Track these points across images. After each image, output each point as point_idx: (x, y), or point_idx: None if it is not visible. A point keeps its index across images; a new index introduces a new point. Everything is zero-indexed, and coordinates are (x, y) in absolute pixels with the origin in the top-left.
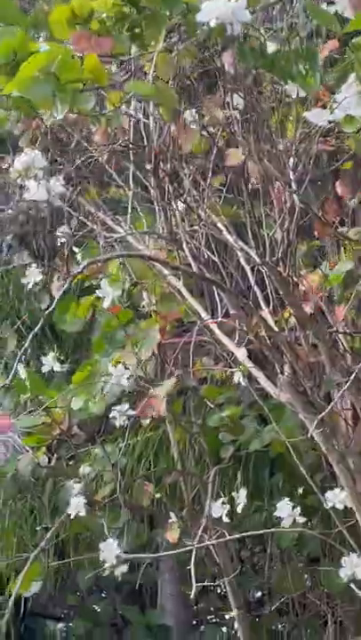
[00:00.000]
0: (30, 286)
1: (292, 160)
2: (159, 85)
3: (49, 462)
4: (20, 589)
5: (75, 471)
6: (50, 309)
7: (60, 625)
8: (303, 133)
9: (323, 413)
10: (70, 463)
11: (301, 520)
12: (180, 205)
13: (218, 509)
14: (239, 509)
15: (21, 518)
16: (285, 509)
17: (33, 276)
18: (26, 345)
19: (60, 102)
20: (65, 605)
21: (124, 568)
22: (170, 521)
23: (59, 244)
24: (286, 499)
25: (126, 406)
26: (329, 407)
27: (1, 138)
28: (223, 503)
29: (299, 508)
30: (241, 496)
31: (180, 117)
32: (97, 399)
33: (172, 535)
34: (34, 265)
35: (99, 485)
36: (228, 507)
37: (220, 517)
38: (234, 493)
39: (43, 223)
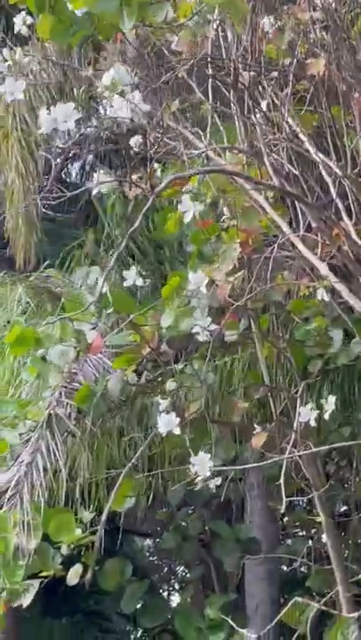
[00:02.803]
0: (95, 192)
1: None
2: None
3: (138, 380)
4: (114, 506)
5: (163, 389)
6: (132, 229)
7: (149, 541)
8: None
9: None
10: (159, 380)
11: None
12: (260, 118)
13: (306, 414)
14: (326, 416)
15: (111, 437)
16: None
17: (99, 186)
18: (111, 263)
19: (127, 15)
20: (154, 522)
21: (218, 481)
22: (256, 431)
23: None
24: None
25: (209, 320)
26: None
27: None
28: (311, 409)
29: None
30: (330, 402)
31: (258, 26)
32: (185, 314)
33: (258, 441)
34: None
35: (188, 403)
36: (316, 412)
37: (308, 428)
38: (322, 401)
39: (125, 139)
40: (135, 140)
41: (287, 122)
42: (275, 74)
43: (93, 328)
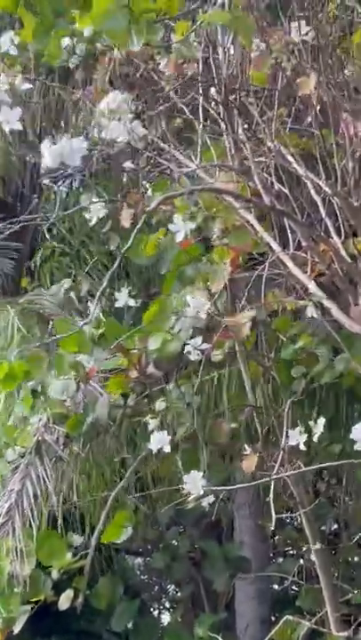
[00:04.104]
0: (93, 223)
1: None
2: (236, 13)
3: (125, 403)
4: (109, 537)
5: (152, 410)
6: (127, 248)
7: (140, 559)
8: None
9: None
10: (146, 402)
11: None
12: (250, 136)
13: (295, 437)
14: (315, 439)
15: (102, 459)
16: (359, 433)
17: (96, 212)
18: (104, 284)
19: (135, 34)
20: (145, 540)
21: (210, 499)
22: (245, 452)
23: (127, 180)
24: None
25: (200, 340)
26: None
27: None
28: (301, 432)
29: None
30: (319, 425)
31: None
32: (172, 337)
33: (249, 464)
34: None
35: (175, 426)
36: (305, 435)
37: (297, 448)
38: (311, 422)
39: (115, 160)
40: (127, 164)
41: (275, 141)
42: (264, 93)
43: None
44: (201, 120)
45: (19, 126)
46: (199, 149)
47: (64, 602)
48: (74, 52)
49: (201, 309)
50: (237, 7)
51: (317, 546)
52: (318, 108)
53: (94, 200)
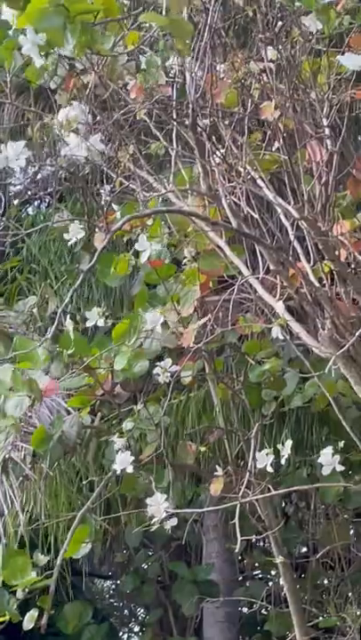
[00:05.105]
0: (71, 243)
1: (325, 109)
2: (173, 17)
3: (92, 422)
4: (69, 552)
5: (119, 430)
6: (91, 265)
7: (108, 583)
8: (335, 80)
9: None
10: (114, 422)
11: (341, 469)
12: (219, 161)
13: (262, 459)
14: (283, 461)
15: (68, 479)
16: (327, 457)
17: (75, 233)
18: (67, 299)
19: (70, 34)
20: (114, 563)
21: (174, 521)
22: (214, 475)
23: (98, 202)
24: (329, 447)
25: (169, 361)
26: None
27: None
28: (268, 454)
29: (339, 458)
30: (286, 447)
31: (213, 71)
32: (138, 356)
33: (216, 487)
34: (75, 222)
35: (143, 445)
36: (272, 457)
37: (265, 471)
38: (279, 446)
39: (83, 180)
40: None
41: (244, 167)
42: (233, 117)
43: (46, 374)
44: (170, 143)
45: None
46: (172, 173)
47: (28, 622)
48: (55, 72)
49: (157, 324)
50: (175, 11)
51: (287, 569)
52: (285, 133)
53: (61, 218)
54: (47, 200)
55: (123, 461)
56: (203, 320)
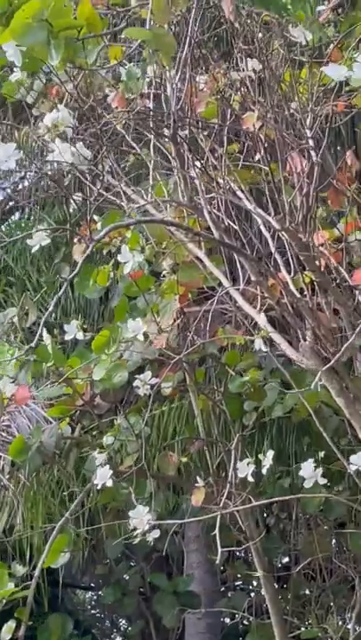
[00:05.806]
0: (34, 250)
1: (308, 121)
2: (156, 31)
3: (72, 433)
4: (48, 562)
5: (99, 441)
6: (74, 275)
7: (90, 594)
8: (318, 92)
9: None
10: (94, 434)
11: (323, 481)
12: (200, 172)
13: (243, 469)
14: (264, 471)
15: (48, 489)
16: (309, 470)
17: (39, 240)
18: (50, 309)
19: (54, 49)
20: (95, 575)
21: (157, 533)
22: (195, 485)
23: (78, 212)
24: (310, 460)
25: (149, 374)
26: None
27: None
28: (249, 463)
29: (321, 470)
30: (268, 458)
31: (193, 83)
32: (118, 367)
33: (197, 498)
34: (40, 230)
35: (123, 456)
36: (253, 467)
37: (246, 481)
38: (260, 456)
39: (66, 189)
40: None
41: (224, 178)
42: (213, 128)
43: (13, 381)
44: (150, 154)
45: None
46: (150, 185)
47: (5, 634)
48: (31, 87)
49: (138, 333)
50: (160, 23)
51: (268, 580)
52: (266, 143)
53: (40, 228)
54: (26, 209)
55: (102, 476)
56: (174, 326)
